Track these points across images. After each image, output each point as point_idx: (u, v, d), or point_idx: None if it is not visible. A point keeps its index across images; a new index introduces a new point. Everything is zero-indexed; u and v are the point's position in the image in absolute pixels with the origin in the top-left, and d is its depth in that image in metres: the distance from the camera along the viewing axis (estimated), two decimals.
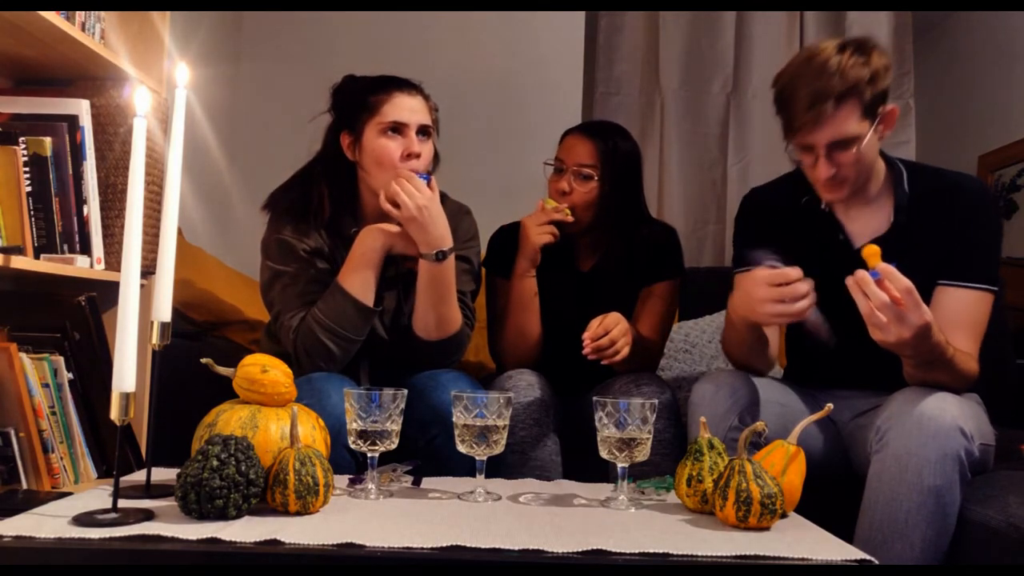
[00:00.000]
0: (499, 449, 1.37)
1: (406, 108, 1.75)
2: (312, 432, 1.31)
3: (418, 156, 1.75)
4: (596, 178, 1.93)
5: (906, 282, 1.37)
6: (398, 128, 1.74)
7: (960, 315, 1.57)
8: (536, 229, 1.90)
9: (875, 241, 1.64)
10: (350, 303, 1.67)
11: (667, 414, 1.75)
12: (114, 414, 1.11)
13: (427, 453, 1.61)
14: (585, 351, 1.72)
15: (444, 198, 1.92)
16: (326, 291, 1.70)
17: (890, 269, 1.37)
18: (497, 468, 1.60)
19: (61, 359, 1.51)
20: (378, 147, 1.75)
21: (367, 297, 1.69)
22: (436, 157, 1.85)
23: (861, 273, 1.39)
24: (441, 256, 1.69)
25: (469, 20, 3.04)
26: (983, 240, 1.61)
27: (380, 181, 1.76)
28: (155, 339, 1.31)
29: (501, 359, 1.98)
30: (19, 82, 1.72)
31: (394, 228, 1.72)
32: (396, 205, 1.68)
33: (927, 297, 1.60)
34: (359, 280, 1.69)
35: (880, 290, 1.37)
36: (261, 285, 1.79)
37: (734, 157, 3.14)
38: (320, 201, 1.78)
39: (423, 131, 1.77)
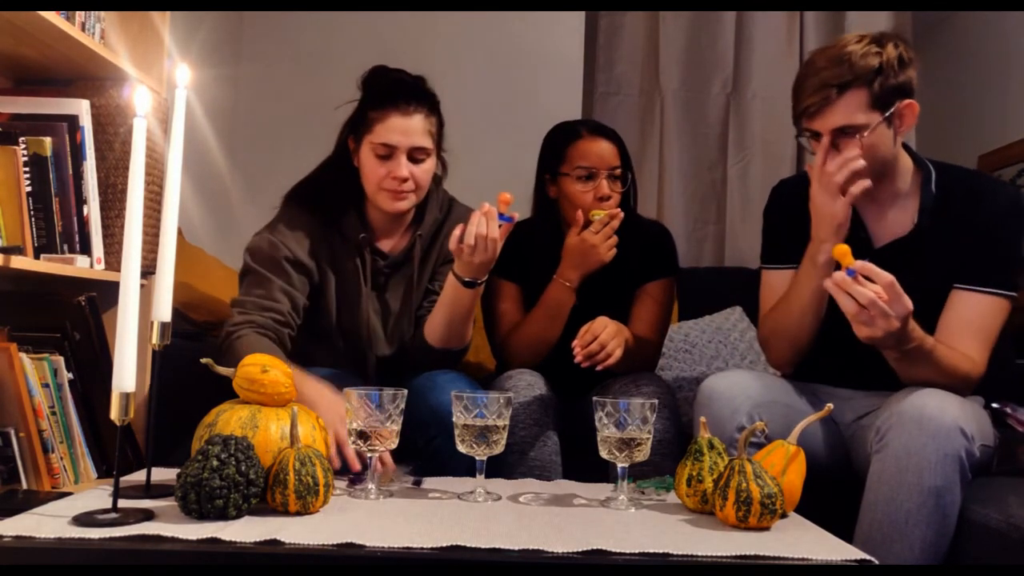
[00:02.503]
0: (499, 449, 1.37)
1: (398, 131, 1.71)
2: (312, 432, 1.31)
3: (404, 180, 1.72)
4: (621, 178, 1.94)
5: (887, 276, 1.38)
6: (388, 150, 1.72)
7: (973, 320, 1.57)
8: (606, 245, 1.85)
9: (897, 242, 1.65)
10: None
11: (667, 414, 1.75)
12: (114, 414, 1.11)
13: (426, 454, 1.61)
14: (577, 359, 1.72)
15: (452, 203, 1.92)
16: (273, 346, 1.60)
17: (867, 265, 1.38)
18: (497, 468, 1.60)
19: (61, 359, 1.51)
20: (367, 166, 1.75)
21: None
22: (444, 168, 1.85)
23: (839, 275, 1.40)
24: (471, 284, 1.67)
25: (469, 20, 3.04)
26: (1006, 246, 1.61)
27: (371, 195, 1.77)
28: (155, 339, 1.31)
29: (508, 360, 1.97)
30: (19, 82, 1.72)
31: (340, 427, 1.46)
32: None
33: (943, 299, 1.60)
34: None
35: (864, 288, 1.38)
36: (239, 274, 1.78)
37: (734, 157, 3.14)
38: (328, 201, 1.78)
39: (418, 152, 1.73)
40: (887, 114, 1.55)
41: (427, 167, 1.76)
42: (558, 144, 1.99)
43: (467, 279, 1.66)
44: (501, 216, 1.60)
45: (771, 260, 1.80)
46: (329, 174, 1.82)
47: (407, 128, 1.72)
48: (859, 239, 1.68)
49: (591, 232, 1.85)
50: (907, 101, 1.58)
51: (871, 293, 1.38)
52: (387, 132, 1.71)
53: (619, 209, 1.88)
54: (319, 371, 1.64)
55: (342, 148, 1.82)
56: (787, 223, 1.77)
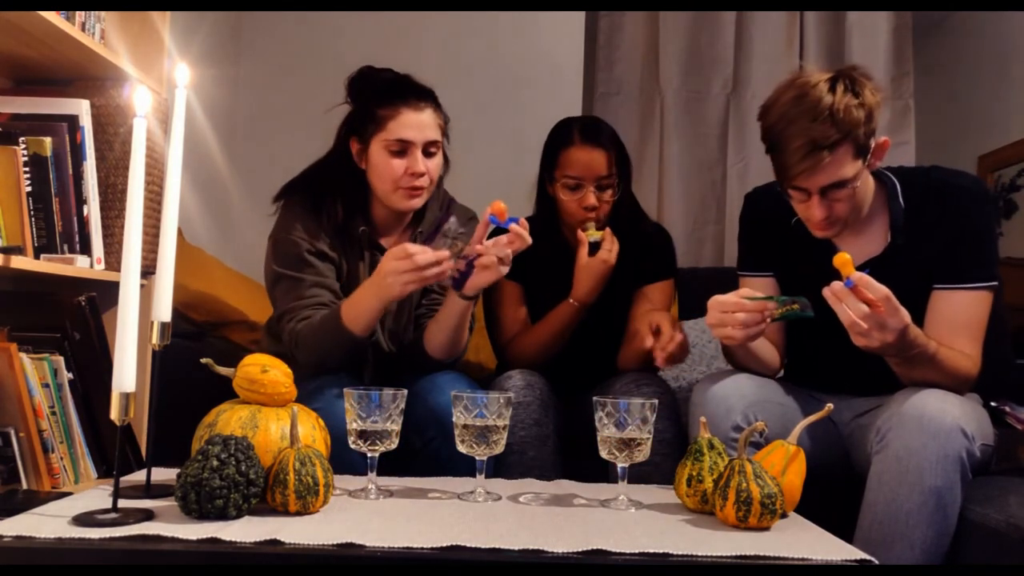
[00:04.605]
0: (499, 449, 1.37)
1: (412, 126, 1.72)
2: (312, 432, 1.31)
3: (421, 175, 1.73)
4: (612, 186, 1.93)
5: (883, 289, 1.38)
6: (403, 146, 1.72)
7: (959, 318, 1.57)
8: (614, 255, 1.85)
9: (872, 261, 1.64)
10: (348, 338, 1.63)
11: (667, 414, 1.75)
12: (114, 414, 1.11)
13: (425, 456, 1.61)
14: (660, 365, 1.72)
15: (451, 203, 1.92)
16: (327, 314, 1.65)
17: (865, 277, 1.38)
18: (497, 468, 1.60)
19: (61, 359, 1.51)
20: (382, 164, 1.74)
21: (367, 330, 1.66)
22: (447, 163, 1.85)
23: (837, 285, 1.39)
24: (476, 296, 1.67)
25: (469, 20, 3.05)
26: (977, 238, 1.60)
27: (384, 195, 1.76)
28: (155, 339, 1.31)
29: (511, 364, 1.97)
30: (19, 82, 1.72)
31: (418, 276, 1.57)
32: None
33: (926, 301, 1.60)
34: (366, 317, 1.62)
35: (858, 300, 1.38)
36: (266, 281, 1.80)
37: (734, 157, 3.14)
38: (331, 201, 1.78)
39: (431, 145, 1.75)
40: (867, 158, 1.54)
41: (438, 161, 1.78)
42: (553, 147, 1.98)
43: (471, 294, 1.66)
44: (511, 219, 1.58)
45: (747, 268, 1.81)
46: (328, 174, 1.81)
47: (421, 123, 1.73)
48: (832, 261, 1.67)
49: (607, 250, 1.85)
50: (881, 140, 1.57)
51: (865, 307, 1.38)
52: (402, 128, 1.71)
53: (607, 228, 1.88)
54: (322, 379, 1.64)
55: (341, 149, 1.81)
56: (762, 231, 1.78)
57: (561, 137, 1.97)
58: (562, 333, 1.91)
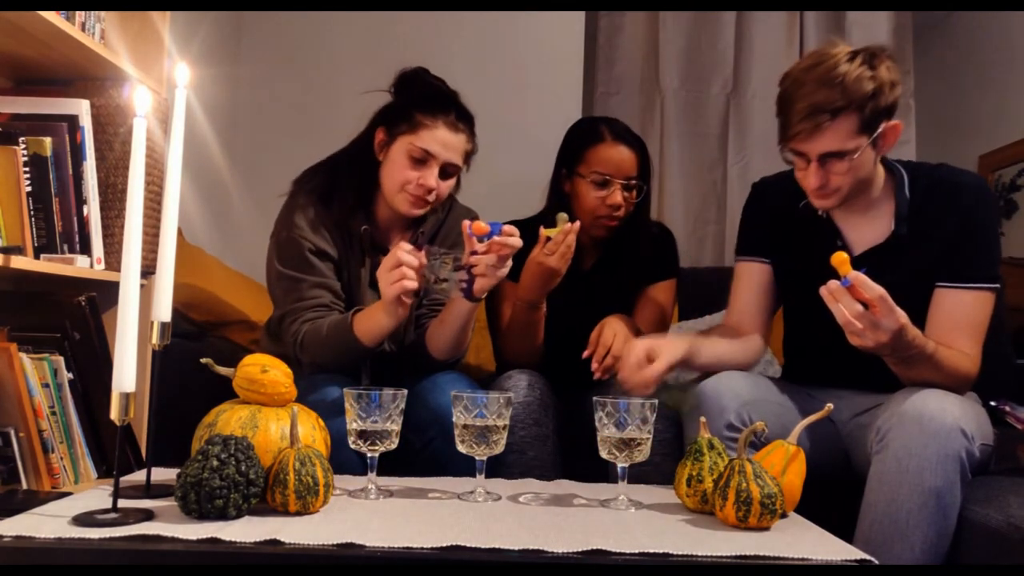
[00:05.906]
0: (499, 449, 1.37)
1: (441, 143, 1.72)
2: (312, 432, 1.31)
3: (430, 191, 1.73)
4: (637, 188, 1.93)
5: (878, 289, 1.38)
6: (425, 156, 1.72)
7: (961, 317, 1.57)
8: (564, 260, 1.74)
9: (875, 249, 1.65)
10: (358, 348, 1.64)
11: (667, 414, 1.75)
12: (114, 414, 1.11)
13: (425, 456, 1.61)
14: (596, 376, 1.73)
15: (453, 202, 1.92)
16: (337, 322, 1.66)
17: (861, 277, 1.38)
18: (497, 468, 1.60)
19: (61, 359, 1.51)
20: (398, 164, 1.74)
21: (378, 343, 1.67)
22: (457, 186, 1.86)
23: (833, 284, 1.40)
24: (479, 299, 1.67)
25: (469, 20, 3.04)
26: (981, 238, 1.60)
27: (389, 193, 1.77)
28: (155, 339, 1.31)
29: (506, 361, 1.97)
30: (19, 82, 1.72)
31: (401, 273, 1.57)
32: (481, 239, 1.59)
33: (926, 297, 1.60)
34: (377, 332, 1.63)
35: (854, 299, 1.38)
36: (267, 279, 1.80)
37: (734, 157, 3.14)
38: (342, 188, 1.78)
39: (450, 167, 1.75)
40: (873, 136, 1.54)
41: (451, 183, 1.79)
42: (579, 143, 1.97)
43: (479, 297, 1.65)
44: (493, 224, 1.57)
45: (745, 252, 1.82)
46: (345, 164, 1.82)
47: (452, 143, 1.74)
48: (836, 248, 1.67)
49: (546, 254, 1.74)
50: (892, 123, 1.56)
51: (859, 306, 1.38)
52: (433, 140, 1.72)
53: (577, 222, 1.75)
54: (316, 377, 1.64)
55: (366, 137, 1.81)
56: (766, 218, 1.79)
57: (589, 134, 1.97)
58: (527, 332, 1.87)
